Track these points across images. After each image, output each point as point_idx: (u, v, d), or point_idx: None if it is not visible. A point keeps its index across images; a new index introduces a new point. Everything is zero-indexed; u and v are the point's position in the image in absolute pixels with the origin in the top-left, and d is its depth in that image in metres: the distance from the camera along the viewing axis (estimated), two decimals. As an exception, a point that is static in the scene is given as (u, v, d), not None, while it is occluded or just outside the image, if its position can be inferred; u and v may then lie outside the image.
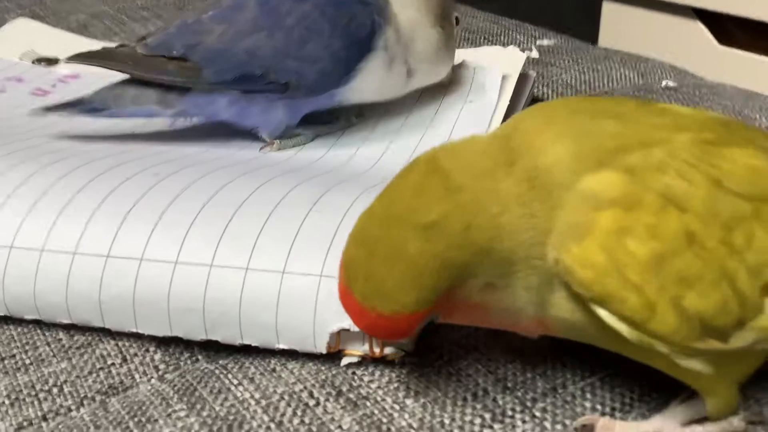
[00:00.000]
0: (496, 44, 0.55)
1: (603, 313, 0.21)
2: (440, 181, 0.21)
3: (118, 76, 0.38)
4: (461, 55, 0.47)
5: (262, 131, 0.38)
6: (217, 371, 0.28)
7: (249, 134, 0.38)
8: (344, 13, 0.37)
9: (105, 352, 0.29)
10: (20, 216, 0.30)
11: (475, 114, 0.40)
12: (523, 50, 0.49)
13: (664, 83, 0.49)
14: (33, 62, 0.50)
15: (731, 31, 0.98)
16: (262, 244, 0.28)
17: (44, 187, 0.31)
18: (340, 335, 0.27)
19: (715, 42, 0.96)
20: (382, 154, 0.38)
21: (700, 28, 0.96)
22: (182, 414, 0.26)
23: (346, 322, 0.26)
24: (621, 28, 1.04)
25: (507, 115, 0.40)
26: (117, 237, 0.28)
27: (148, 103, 0.37)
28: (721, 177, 0.21)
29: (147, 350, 0.29)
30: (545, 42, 0.57)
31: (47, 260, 0.29)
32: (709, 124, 0.24)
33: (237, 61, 0.36)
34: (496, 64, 0.43)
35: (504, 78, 0.42)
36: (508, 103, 0.40)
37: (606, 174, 0.21)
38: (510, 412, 0.25)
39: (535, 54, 0.54)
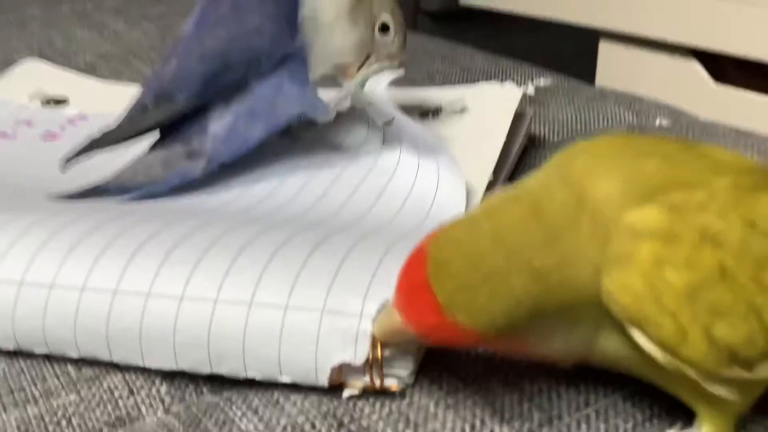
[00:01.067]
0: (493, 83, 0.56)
1: (640, 338, 0.23)
2: (543, 228, 0.23)
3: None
4: (458, 92, 0.48)
5: (306, 109, 0.38)
6: (221, 403, 0.28)
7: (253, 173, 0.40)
8: None
9: (112, 385, 0.30)
10: (31, 252, 0.31)
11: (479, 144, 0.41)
12: (519, 87, 0.50)
13: (657, 122, 0.50)
14: (42, 103, 0.51)
15: (727, 69, 0.99)
16: (266, 279, 0.29)
17: (55, 227, 0.32)
18: (342, 368, 0.28)
19: (711, 81, 0.98)
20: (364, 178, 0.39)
21: (696, 67, 0.98)
22: (188, 445, 0.26)
23: (347, 356, 0.27)
24: (618, 67, 1.06)
25: (504, 151, 0.41)
26: (125, 272, 0.29)
27: (178, 161, 0.37)
28: (756, 219, 0.23)
29: (153, 383, 0.30)
30: (542, 82, 0.58)
31: (57, 295, 0.30)
32: (746, 169, 0.25)
33: (196, 71, 0.37)
34: (490, 102, 0.44)
35: (500, 115, 0.43)
36: (504, 138, 0.41)
37: (649, 209, 0.23)
38: (507, 443, 0.26)
39: (531, 91, 0.55)
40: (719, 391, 0.23)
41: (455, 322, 0.23)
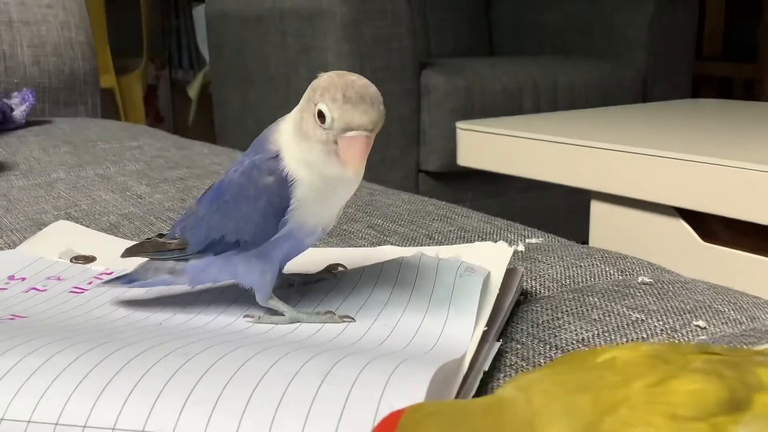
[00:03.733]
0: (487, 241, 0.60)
1: None
2: None
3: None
4: (455, 250, 0.53)
5: (252, 287, 0.45)
6: None
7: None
8: (263, 173, 0.43)
9: None
10: (65, 395, 0.34)
11: (464, 295, 0.45)
12: (511, 245, 0.55)
13: (640, 279, 0.54)
14: (71, 260, 0.55)
15: (714, 228, 1.05)
16: (280, 417, 0.32)
17: (86, 369, 0.35)
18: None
19: (698, 239, 1.03)
20: (368, 329, 0.43)
21: (684, 226, 1.03)
22: None
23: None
24: (610, 225, 1.11)
25: (497, 303, 0.45)
26: (151, 413, 0.32)
27: (162, 273, 0.47)
28: (674, 410, 0.26)
29: None
30: (533, 240, 0.62)
31: (89, 435, 0.33)
32: (648, 365, 0.28)
33: (204, 232, 0.45)
34: (484, 259, 0.49)
35: (493, 270, 0.47)
36: (497, 292, 0.45)
37: None
38: None
39: (521, 248, 0.59)
40: None
41: None
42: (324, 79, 0.41)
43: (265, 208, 0.43)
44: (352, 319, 0.44)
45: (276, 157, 0.43)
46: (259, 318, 0.45)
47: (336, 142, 0.41)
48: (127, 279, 0.48)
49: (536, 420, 0.27)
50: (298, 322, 0.44)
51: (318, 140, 0.41)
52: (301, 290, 0.49)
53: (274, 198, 0.43)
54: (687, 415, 0.25)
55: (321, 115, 0.41)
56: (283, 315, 0.45)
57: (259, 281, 0.45)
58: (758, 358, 0.29)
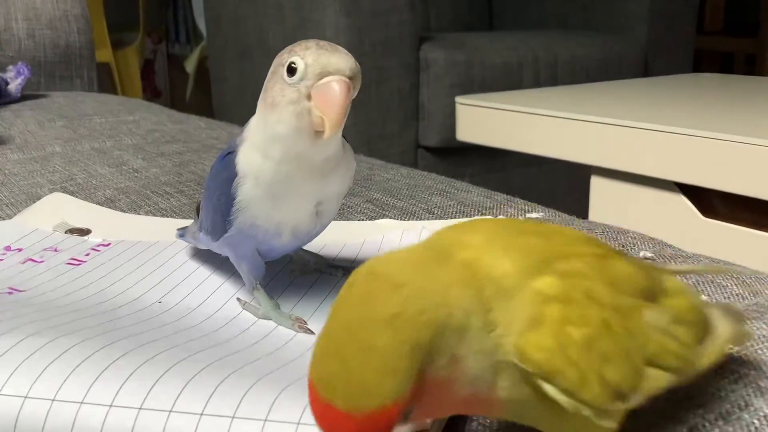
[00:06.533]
0: (488, 216, 0.59)
1: (548, 387, 0.27)
2: (385, 282, 0.26)
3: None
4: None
5: (239, 269, 0.44)
6: None
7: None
8: (220, 169, 0.41)
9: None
10: (64, 374, 0.33)
11: None
12: (512, 223, 0.54)
13: (641, 254, 0.53)
14: (66, 232, 0.55)
15: (715, 203, 1.04)
16: (250, 398, 0.32)
17: (87, 353, 0.35)
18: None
19: (699, 214, 1.02)
20: None
21: (684, 202, 1.03)
22: None
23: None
24: (610, 200, 1.11)
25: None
26: (150, 392, 0.32)
27: (189, 234, 0.49)
28: (614, 281, 0.29)
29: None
30: (534, 215, 0.62)
31: (84, 411, 0.32)
32: (593, 241, 0.31)
33: (202, 214, 0.45)
34: None
35: None
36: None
37: (547, 278, 0.27)
38: None
39: None
40: (607, 423, 0.27)
41: (366, 414, 0.23)
42: (289, 45, 0.38)
43: (215, 205, 0.42)
44: (312, 332, 0.41)
45: (234, 151, 0.40)
46: (244, 304, 0.44)
47: (309, 98, 0.36)
48: (180, 232, 0.51)
49: (481, 256, 0.27)
50: (268, 319, 0.42)
51: (288, 102, 0.36)
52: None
53: (221, 196, 0.41)
54: (622, 288, 0.29)
55: (291, 70, 0.36)
56: (258, 308, 0.43)
57: (238, 269, 0.44)
58: (670, 273, 0.33)
